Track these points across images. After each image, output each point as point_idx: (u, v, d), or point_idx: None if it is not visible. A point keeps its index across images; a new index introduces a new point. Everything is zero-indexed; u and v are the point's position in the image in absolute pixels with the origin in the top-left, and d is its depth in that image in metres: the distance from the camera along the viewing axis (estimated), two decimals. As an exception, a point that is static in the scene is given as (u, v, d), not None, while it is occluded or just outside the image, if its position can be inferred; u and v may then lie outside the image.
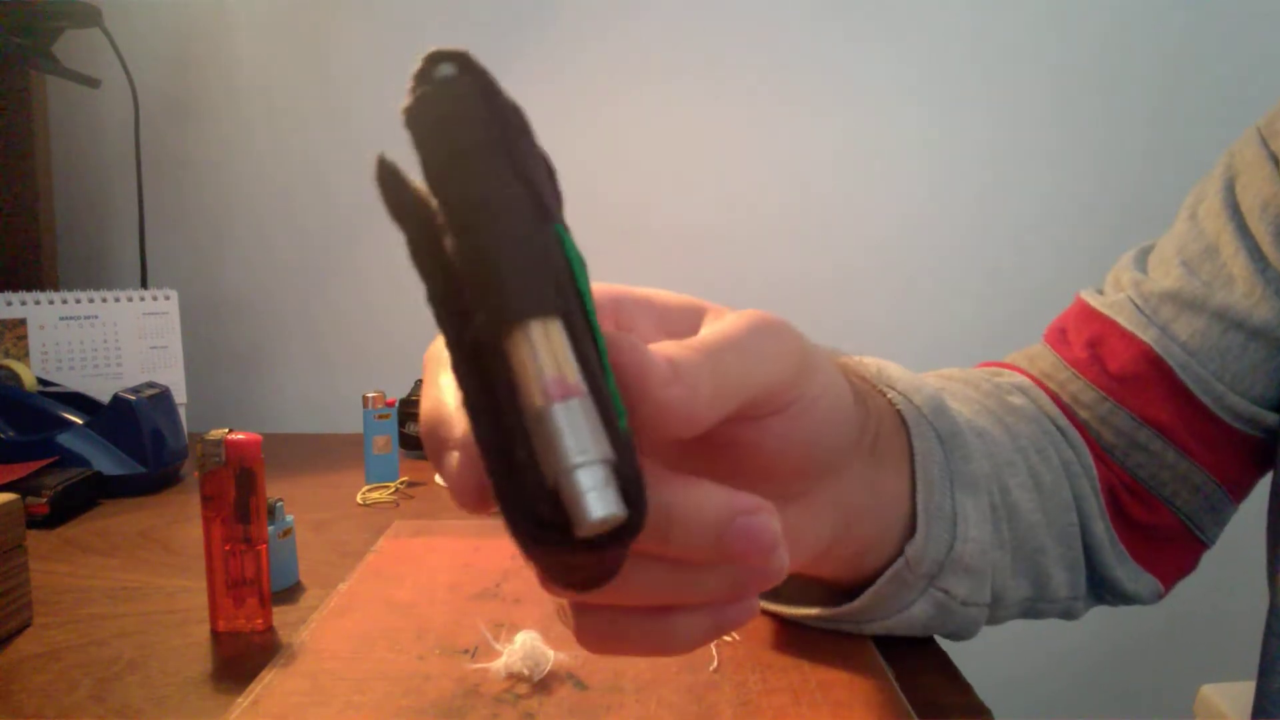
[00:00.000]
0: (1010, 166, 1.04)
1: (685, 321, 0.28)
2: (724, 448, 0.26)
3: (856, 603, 0.37)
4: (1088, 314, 0.48)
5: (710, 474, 0.28)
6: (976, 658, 0.42)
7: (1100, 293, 0.50)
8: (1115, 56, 1.01)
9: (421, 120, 0.17)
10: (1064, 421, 0.46)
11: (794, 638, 0.40)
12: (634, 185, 1.05)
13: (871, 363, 0.39)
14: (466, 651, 0.39)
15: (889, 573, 0.36)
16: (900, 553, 0.36)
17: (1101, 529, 0.45)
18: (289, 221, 1.07)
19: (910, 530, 0.36)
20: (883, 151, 1.04)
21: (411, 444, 0.81)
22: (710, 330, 0.25)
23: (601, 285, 0.27)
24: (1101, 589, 0.47)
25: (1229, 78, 0.99)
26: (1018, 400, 0.47)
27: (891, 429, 0.35)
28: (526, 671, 0.37)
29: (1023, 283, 1.04)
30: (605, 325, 0.26)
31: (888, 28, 1.02)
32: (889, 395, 0.37)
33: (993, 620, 0.43)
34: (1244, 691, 0.51)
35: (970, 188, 1.04)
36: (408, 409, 0.80)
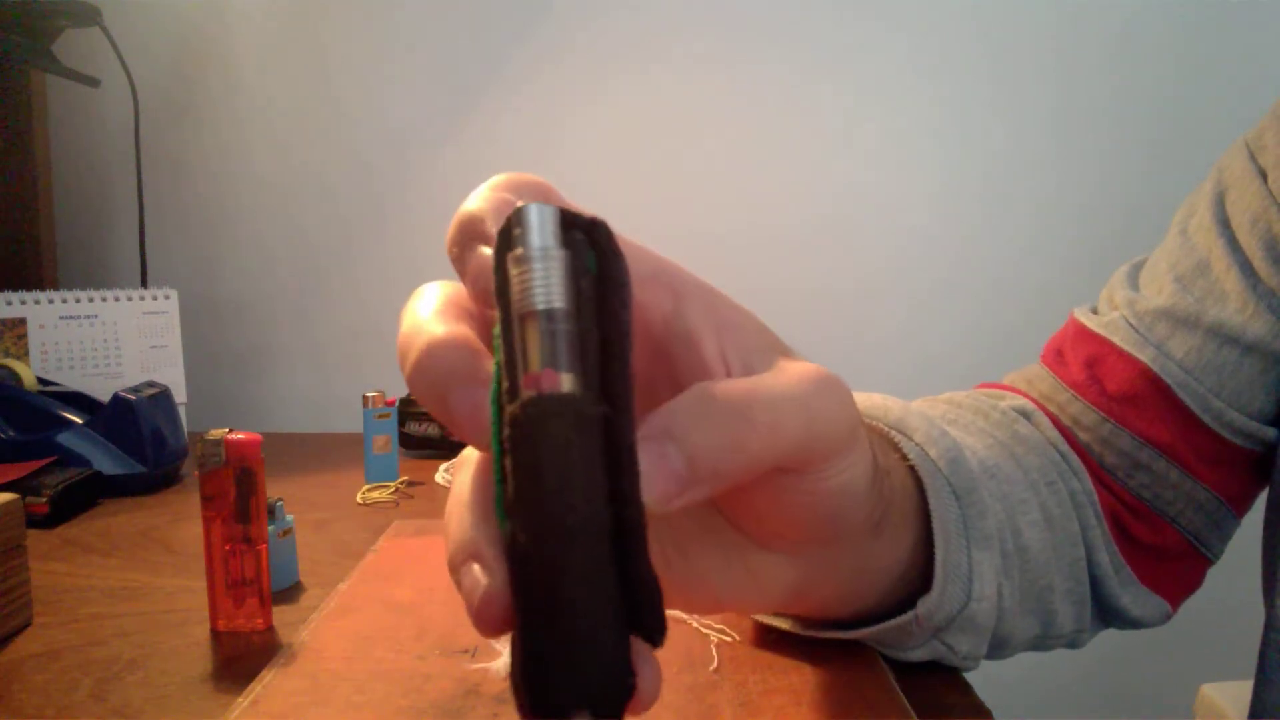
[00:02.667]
0: (1019, 170, 1.03)
1: (745, 343, 0.25)
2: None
3: (852, 634, 0.37)
4: (1083, 334, 0.48)
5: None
6: (976, 657, 0.42)
7: (1094, 311, 0.50)
8: (1121, 60, 1.01)
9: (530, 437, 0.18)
10: (1065, 447, 0.46)
11: (794, 638, 0.40)
12: (632, 186, 1.05)
13: (893, 408, 0.39)
14: (466, 651, 0.39)
15: (896, 621, 0.35)
16: (885, 601, 0.36)
17: (1106, 558, 0.45)
18: (289, 221, 1.07)
19: (909, 583, 0.36)
20: (891, 155, 1.04)
21: (411, 443, 0.81)
22: (780, 376, 0.24)
23: (668, 266, 0.25)
24: (1109, 616, 0.46)
25: (1235, 83, 0.99)
26: (1024, 429, 0.46)
27: (901, 501, 0.34)
28: (526, 671, 0.37)
29: (1029, 285, 1.04)
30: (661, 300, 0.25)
31: (896, 29, 1.02)
32: (903, 445, 0.36)
33: (998, 657, 0.43)
34: (1244, 691, 0.51)
35: (978, 192, 1.04)
36: (407, 408, 0.80)
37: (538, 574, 0.18)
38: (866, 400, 0.40)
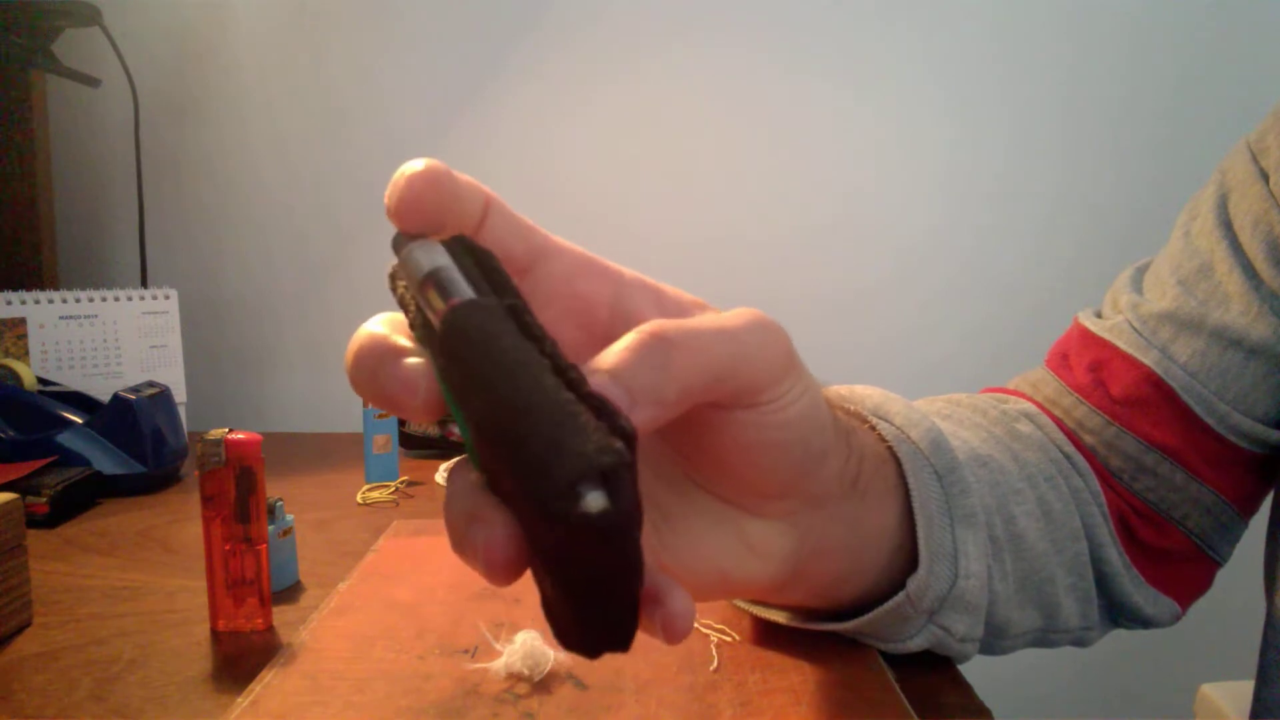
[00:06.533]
0: (1026, 173, 1.03)
1: (685, 312, 0.28)
2: (696, 432, 0.27)
3: (850, 624, 0.37)
4: (1087, 338, 0.48)
5: (680, 461, 0.29)
6: (976, 657, 0.42)
7: (1098, 315, 0.50)
8: (1130, 62, 1.01)
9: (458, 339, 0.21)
10: (1070, 448, 0.46)
11: (794, 638, 0.40)
12: (634, 188, 1.05)
13: (873, 395, 0.39)
14: (466, 651, 0.40)
15: (889, 605, 0.36)
16: (880, 585, 0.36)
17: (1115, 555, 0.45)
18: (289, 221, 1.07)
19: (900, 564, 0.36)
20: (896, 157, 1.04)
21: (411, 443, 0.81)
22: (707, 317, 0.25)
23: (602, 262, 0.28)
24: (1119, 614, 0.47)
25: (1244, 84, 0.99)
26: (1025, 428, 0.46)
27: (876, 465, 0.34)
28: (526, 671, 0.37)
29: (1037, 288, 1.04)
30: (601, 292, 0.28)
31: (904, 30, 1.02)
32: (882, 430, 0.37)
33: (1001, 650, 0.43)
34: (1244, 691, 0.51)
35: (985, 195, 1.04)
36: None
37: (502, 409, 0.19)
38: (847, 390, 0.40)
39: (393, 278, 0.24)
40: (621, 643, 0.22)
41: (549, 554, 0.21)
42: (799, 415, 0.26)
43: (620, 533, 0.19)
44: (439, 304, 0.21)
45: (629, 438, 0.20)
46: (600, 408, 0.20)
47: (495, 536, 0.21)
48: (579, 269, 0.27)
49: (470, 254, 0.23)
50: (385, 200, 0.23)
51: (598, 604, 0.22)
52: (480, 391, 0.20)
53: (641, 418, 0.22)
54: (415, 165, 0.23)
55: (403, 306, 0.23)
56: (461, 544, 0.22)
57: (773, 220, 1.05)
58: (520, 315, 0.21)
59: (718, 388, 0.24)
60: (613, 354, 0.23)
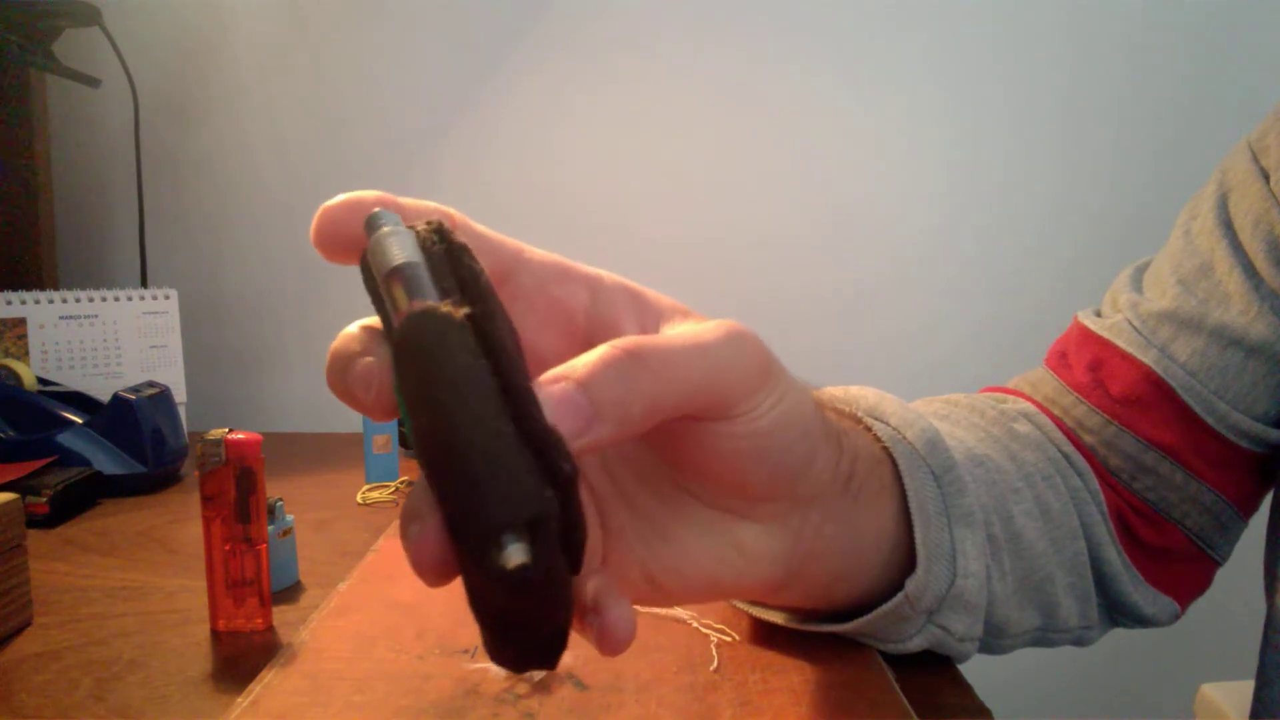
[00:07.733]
0: (1027, 172, 1.03)
1: (664, 316, 0.28)
2: (673, 441, 0.27)
3: (849, 625, 0.37)
4: (1087, 337, 0.48)
5: (666, 468, 0.29)
6: (977, 658, 0.42)
7: (1098, 314, 0.50)
8: (1132, 62, 1.01)
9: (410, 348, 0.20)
10: (1069, 448, 0.46)
11: (794, 638, 0.40)
12: (634, 189, 1.05)
13: (868, 396, 0.39)
14: (466, 651, 0.39)
15: (888, 606, 0.36)
16: (879, 585, 0.36)
17: (1114, 555, 0.45)
18: (288, 220, 1.07)
19: (898, 565, 0.36)
20: (898, 157, 1.04)
21: (411, 443, 0.81)
22: (681, 330, 0.25)
23: (578, 267, 0.28)
24: (1118, 614, 0.47)
25: (1246, 84, 0.99)
26: (1023, 428, 0.46)
27: (871, 465, 0.34)
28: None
29: (1039, 288, 1.04)
30: (579, 295, 0.28)
31: (906, 30, 1.02)
32: (878, 430, 0.37)
33: (1001, 650, 0.43)
34: (1244, 691, 0.51)
35: (986, 195, 1.04)
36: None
37: (439, 435, 0.19)
38: (842, 391, 0.40)
39: (364, 263, 0.23)
40: (547, 664, 0.22)
41: (472, 587, 0.21)
42: (775, 424, 0.26)
43: (538, 586, 0.19)
44: (402, 303, 0.21)
45: (565, 482, 0.19)
46: (542, 444, 0.19)
47: (427, 537, 0.21)
48: (553, 276, 0.27)
49: (445, 246, 0.23)
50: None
51: (518, 636, 0.21)
52: (424, 410, 0.19)
53: (603, 432, 0.22)
54: (335, 199, 0.23)
55: (370, 292, 0.23)
56: (402, 536, 0.22)
57: (773, 220, 1.05)
58: (481, 323, 0.21)
59: (688, 404, 0.24)
60: (583, 365, 0.23)
